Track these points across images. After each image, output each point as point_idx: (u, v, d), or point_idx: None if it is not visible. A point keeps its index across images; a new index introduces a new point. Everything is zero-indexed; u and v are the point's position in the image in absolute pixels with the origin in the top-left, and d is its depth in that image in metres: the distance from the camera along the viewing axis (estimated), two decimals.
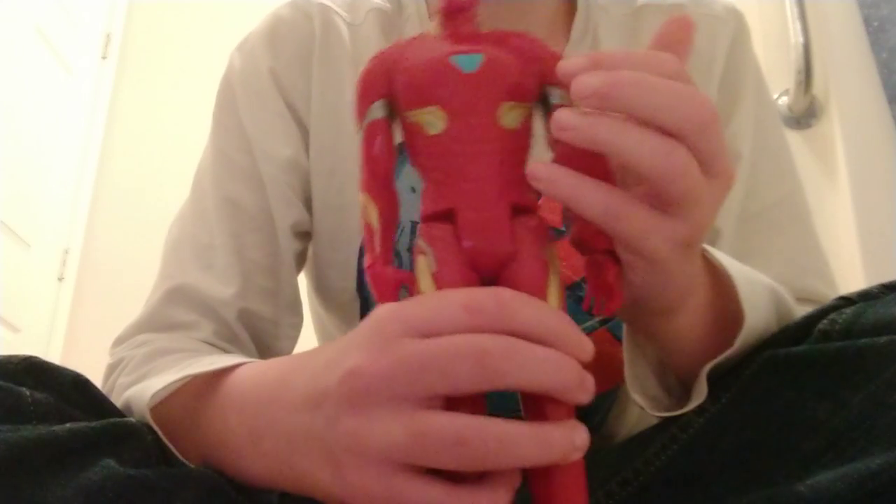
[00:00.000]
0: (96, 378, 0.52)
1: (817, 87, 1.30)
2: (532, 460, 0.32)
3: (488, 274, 0.37)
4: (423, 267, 0.37)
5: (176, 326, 0.61)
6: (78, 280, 2.68)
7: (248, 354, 0.62)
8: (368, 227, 0.39)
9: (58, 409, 0.43)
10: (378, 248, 0.39)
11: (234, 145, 0.67)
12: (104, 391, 0.55)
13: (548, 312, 0.34)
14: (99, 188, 2.80)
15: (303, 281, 0.71)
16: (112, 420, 0.44)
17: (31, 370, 0.45)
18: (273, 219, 0.65)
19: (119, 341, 0.61)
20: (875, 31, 1.31)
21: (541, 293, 0.36)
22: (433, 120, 0.37)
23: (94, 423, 0.42)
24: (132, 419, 0.46)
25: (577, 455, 0.33)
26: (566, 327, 0.34)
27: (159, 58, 2.94)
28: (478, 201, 0.37)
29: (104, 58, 2.90)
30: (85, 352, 2.20)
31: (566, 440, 0.32)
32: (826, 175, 1.28)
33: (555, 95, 0.38)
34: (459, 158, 0.37)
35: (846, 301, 0.43)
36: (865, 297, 0.43)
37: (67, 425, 0.41)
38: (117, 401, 0.51)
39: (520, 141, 0.38)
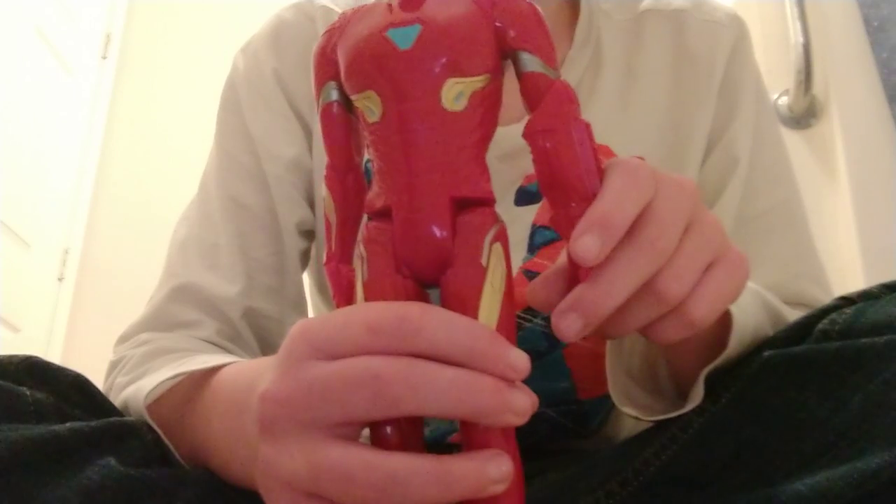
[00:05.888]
0: (96, 378, 0.52)
1: (817, 87, 1.30)
2: (433, 499, 0.29)
3: (429, 281, 0.33)
4: (358, 274, 0.34)
5: (179, 325, 0.61)
6: (78, 280, 2.68)
7: (252, 353, 0.62)
8: (327, 221, 0.37)
9: (58, 409, 0.43)
10: (334, 244, 0.36)
11: (238, 146, 0.67)
12: (104, 389, 0.55)
13: (460, 328, 0.30)
14: (99, 188, 2.81)
15: (306, 280, 0.71)
16: (112, 419, 0.44)
17: (32, 370, 0.45)
18: (277, 218, 0.65)
19: (122, 339, 0.62)
20: (875, 31, 1.31)
21: (471, 303, 0.31)
22: (371, 106, 0.33)
23: (94, 423, 0.42)
24: (132, 419, 0.47)
25: (496, 489, 0.29)
26: (484, 344, 0.30)
27: (159, 58, 2.94)
28: (412, 199, 0.32)
29: (104, 58, 2.91)
30: (85, 352, 2.20)
31: (474, 475, 0.29)
32: (826, 175, 1.28)
33: (528, 62, 0.33)
34: (396, 150, 0.32)
35: (846, 301, 0.43)
36: (865, 297, 0.43)
37: (67, 425, 0.41)
38: (116, 400, 0.51)
39: (467, 122, 0.33)
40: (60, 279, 2.65)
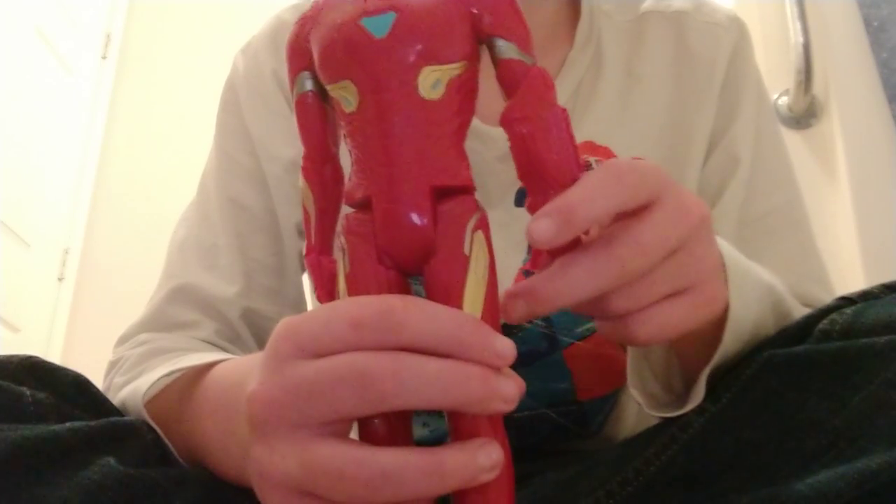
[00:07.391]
0: (96, 378, 0.52)
1: (817, 87, 1.30)
2: (426, 492, 0.29)
3: (411, 271, 0.33)
4: (340, 266, 0.33)
5: (178, 325, 0.61)
6: (78, 280, 2.69)
7: (250, 354, 0.62)
8: (305, 213, 0.37)
9: (58, 409, 0.43)
10: (314, 236, 0.36)
11: (237, 147, 0.68)
12: (103, 389, 0.55)
13: (444, 318, 0.30)
14: (99, 188, 2.81)
15: (305, 281, 0.71)
16: (112, 419, 0.44)
17: (32, 370, 0.45)
18: (277, 219, 0.65)
19: (122, 340, 0.62)
20: (875, 31, 1.31)
21: (455, 293, 0.31)
22: (347, 96, 0.33)
23: (93, 423, 0.42)
24: (132, 418, 0.47)
25: (487, 477, 0.29)
26: (468, 333, 0.30)
27: (159, 58, 2.94)
28: (392, 189, 0.32)
29: (104, 58, 2.91)
30: (85, 352, 2.20)
31: (465, 465, 0.29)
32: (826, 175, 1.28)
33: (504, 49, 0.33)
34: (374, 140, 0.32)
35: (846, 301, 0.43)
36: (866, 297, 0.43)
37: (67, 424, 0.41)
38: (114, 399, 0.51)
39: (445, 110, 0.32)
40: (60, 279, 2.65)
